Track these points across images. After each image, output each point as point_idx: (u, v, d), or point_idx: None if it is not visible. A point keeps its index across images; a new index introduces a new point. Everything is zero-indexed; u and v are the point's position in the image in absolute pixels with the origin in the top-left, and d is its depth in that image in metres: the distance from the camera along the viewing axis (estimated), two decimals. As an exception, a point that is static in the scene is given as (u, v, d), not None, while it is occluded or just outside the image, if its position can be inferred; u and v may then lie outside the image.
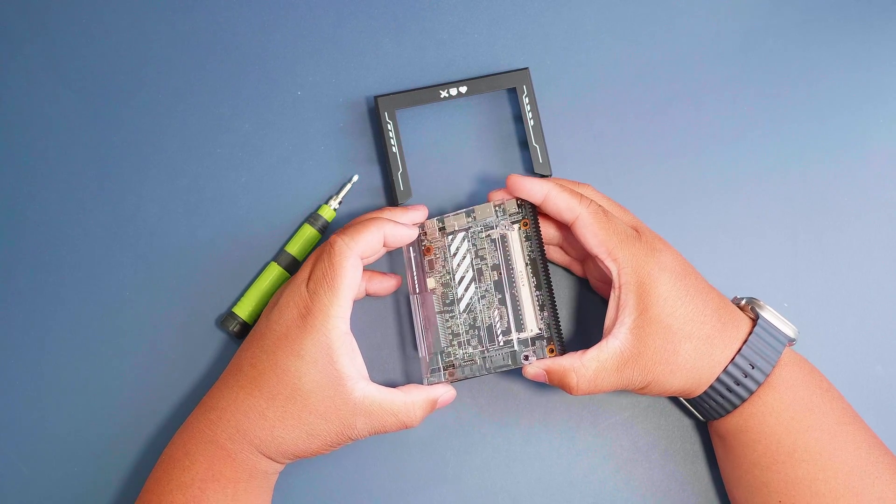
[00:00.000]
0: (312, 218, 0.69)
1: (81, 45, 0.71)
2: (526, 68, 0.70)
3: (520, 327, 0.64)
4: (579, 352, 0.61)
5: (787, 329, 0.63)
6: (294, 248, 0.68)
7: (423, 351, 0.65)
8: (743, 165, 0.72)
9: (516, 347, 0.64)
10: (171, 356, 0.68)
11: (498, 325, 0.65)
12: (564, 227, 0.66)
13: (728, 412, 0.62)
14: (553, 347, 0.64)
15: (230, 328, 0.67)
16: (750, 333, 0.61)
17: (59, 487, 0.66)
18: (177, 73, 0.71)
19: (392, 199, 0.70)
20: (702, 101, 0.72)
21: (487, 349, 0.65)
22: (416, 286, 0.66)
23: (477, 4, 0.73)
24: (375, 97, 0.69)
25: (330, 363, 0.59)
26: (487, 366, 0.65)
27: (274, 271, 0.68)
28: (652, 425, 0.68)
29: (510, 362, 0.64)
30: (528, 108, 0.70)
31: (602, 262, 0.61)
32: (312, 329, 0.59)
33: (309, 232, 0.68)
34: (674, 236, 0.70)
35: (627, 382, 0.61)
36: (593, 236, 0.61)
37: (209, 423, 0.61)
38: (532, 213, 0.65)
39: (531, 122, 0.70)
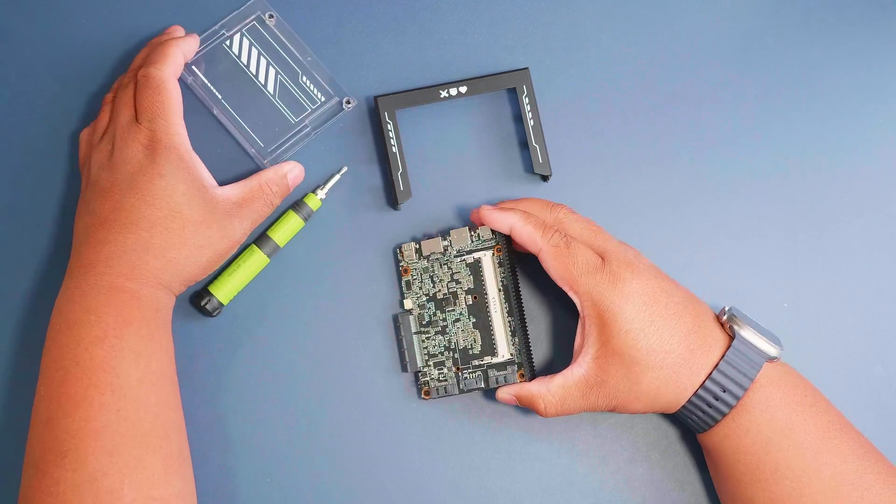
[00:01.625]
0: (297, 205, 0.69)
1: (81, 45, 0.72)
2: (526, 68, 0.70)
3: (492, 351, 0.66)
4: (548, 377, 0.63)
5: (768, 347, 0.62)
6: (276, 234, 0.68)
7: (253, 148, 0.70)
8: (743, 165, 0.72)
9: (488, 371, 0.66)
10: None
11: (472, 349, 0.67)
12: None
13: (708, 428, 0.62)
14: (523, 373, 0.66)
15: (202, 304, 0.67)
16: (723, 356, 0.61)
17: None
18: (177, 72, 0.71)
19: (392, 199, 0.70)
20: (702, 101, 0.72)
21: (461, 371, 0.67)
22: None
23: (477, 4, 0.73)
24: (375, 97, 0.69)
25: (190, 174, 0.63)
26: (461, 387, 0.67)
27: (253, 254, 0.68)
28: (651, 426, 0.68)
29: (482, 385, 0.66)
30: (528, 108, 0.70)
31: (567, 293, 0.63)
32: (165, 150, 0.63)
33: (292, 218, 0.68)
34: (673, 236, 0.70)
35: (593, 406, 0.62)
36: (553, 270, 0.63)
37: (100, 274, 0.61)
38: (505, 240, 0.67)
39: (531, 122, 0.70)
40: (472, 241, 0.68)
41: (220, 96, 0.70)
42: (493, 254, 0.67)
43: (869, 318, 0.70)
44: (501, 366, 0.66)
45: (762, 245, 0.71)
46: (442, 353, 0.67)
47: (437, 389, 0.67)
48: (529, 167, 0.70)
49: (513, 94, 0.72)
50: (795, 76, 0.73)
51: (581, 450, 0.68)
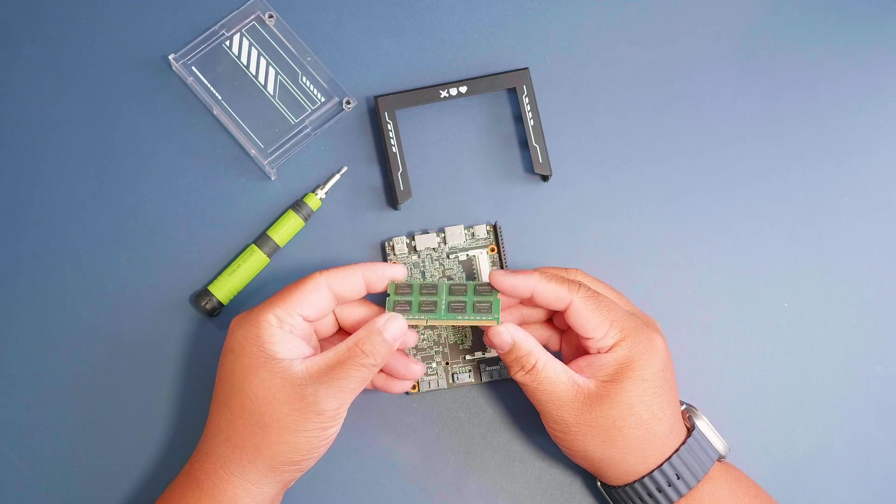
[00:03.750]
0: (297, 205, 0.69)
1: (81, 45, 0.72)
2: (526, 68, 0.70)
3: (483, 346, 0.67)
4: (551, 356, 0.60)
5: (719, 444, 0.62)
6: (276, 233, 0.68)
7: None
8: (743, 165, 0.72)
9: (480, 366, 0.67)
10: (151, 338, 0.68)
11: (462, 344, 0.67)
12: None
13: None
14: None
15: (202, 304, 0.67)
16: (683, 443, 0.60)
17: (59, 487, 0.66)
18: (176, 73, 0.71)
19: (392, 199, 0.70)
20: (702, 101, 0.72)
21: (451, 365, 0.67)
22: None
23: (477, 4, 0.73)
24: (375, 97, 0.69)
25: (258, 347, 0.58)
26: (450, 381, 0.67)
27: (253, 254, 0.68)
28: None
29: (473, 380, 0.67)
30: (528, 108, 0.70)
31: (598, 340, 0.60)
32: (243, 324, 0.59)
33: (292, 218, 0.68)
34: (673, 236, 0.70)
35: (568, 411, 0.59)
36: (589, 316, 0.59)
37: (190, 463, 0.61)
38: (499, 240, 0.67)
39: (531, 122, 0.70)
40: (466, 239, 0.68)
41: (220, 96, 0.70)
42: (487, 252, 0.68)
43: (869, 318, 0.70)
44: (493, 360, 0.67)
45: (762, 245, 0.71)
46: (431, 348, 0.67)
47: (427, 382, 0.67)
48: (529, 167, 0.70)
49: (513, 94, 0.72)
50: (795, 76, 0.73)
51: (581, 450, 0.68)
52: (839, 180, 0.72)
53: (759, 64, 0.73)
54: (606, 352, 0.60)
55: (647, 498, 0.60)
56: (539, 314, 0.65)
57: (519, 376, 0.60)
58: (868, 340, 0.70)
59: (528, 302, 0.62)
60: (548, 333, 0.65)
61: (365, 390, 0.63)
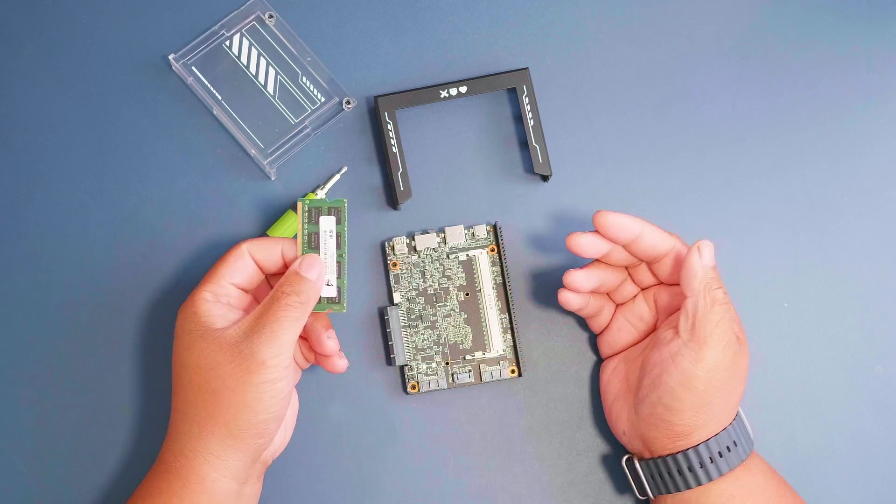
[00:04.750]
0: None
1: (81, 45, 0.72)
2: (526, 68, 0.70)
3: (484, 347, 0.67)
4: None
5: (751, 436, 0.63)
6: (275, 234, 0.68)
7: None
8: (743, 165, 0.72)
9: (480, 366, 0.67)
10: (151, 338, 0.68)
11: (462, 344, 0.67)
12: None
13: (679, 490, 0.61)
14: (514, 368, 0.67)
15: None
16: (730, 423, 0.61)
17: (59, 487, 0.66)
18: (176, 73, 0.71)
19: (392, 199, 0.70)
20: (702, 101, 0.72)
21: (451, 365, 0.67)
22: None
23: (477, 4, 0.73)
24: (375, 97, 0.69)
25: (194, 324, 0.59)
26: (449, 381, 0.67)
27: None
28: (652, 425, 0.68)
29: (473, 380, 0.67)
30: (528, 108, 0.70)
31: (705, 294, 0.60)
32: (184, 307, 0.61)
33: (292, 218, 0.68)
34: (674, 236, 0.70)
35: (688, 351, 0.59)
36: (692, 265, 0.60)
37: (161, 453, 0.61)
38: (499, 241, 0.68)
39: (531, 122, 0.70)
40: (466, 239, 0.68)
41: (219, 96, 0.70)
42: (487, 252, 0.68)
43: (869, 318, 0.70)
44: (493, 361, 0.67)
45: (762, 245, 0.71)
46: (431, 348, 0.67)
47: (428, 382, 0.67)
48: (529, 167, 0.70)
49: (513, 94, 0.72)
50: (795, 76, 0.73)
51: (581, 450, 0.68)
52: (839, 180, 0.72)
53: (759, 64, 0.73)
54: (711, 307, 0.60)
55: (697, 469, 0.60)
56: (614, 279, 0.65)
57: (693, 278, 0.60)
58: (868, 340, 0.70)
59: (616, 256, 0.63)
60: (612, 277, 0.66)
61: (311, 366, 0.66)
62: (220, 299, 0.61)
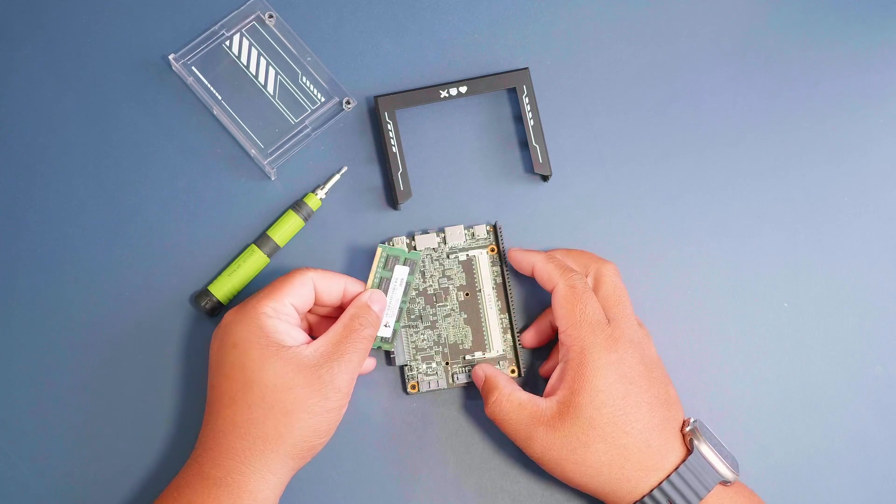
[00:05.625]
0: (297, 205, 0.69)
1: (81, 45, 0.72)
2: (526, 68, 0.70)
3: (483, 347, 0.67)
4: (517, 386, 0.63)
5: (724, 469, 0.60)
6: (276, 233, 0.68)
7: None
8: (743, 165, 0.72)
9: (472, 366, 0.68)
10: (151, 338, 0.68)
11: (462, 344, 0.67)
12: None
13: None
14: (514, 368, 0.67)
15: (202, 304, 0.67)
16: (676, 468, 0.59)
17: (59, 487, 0.66)
18: (176, 73, 0.71)
19: (392, 199, 0.70)
20: (702, 101, 0.72)
21: (451, 365, 0.67)
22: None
23: (477, 4, 0.73)
24: (375, 97, 0.69)
25: (266, 339, 0.60)
26: (449, 381, 0.67)
27: (253, 254, 0.68)
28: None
29: (471, 379, 0.67)
30: (528, 108, 0.70)
31: (561, 333, 0.62)
32: (242, 318, 0.60)
33: (292, 218, 0.68)
34: (673, 236, 0.70)
35: (535, 447, 0.61)
36: (558, 309, 0.62)
37: (196, 462, 0.60)
38: (499, 241, 0.68)
39: (531, 122, 0.70)
40: (466, 239, 0.68)
41: (219, 97, 0.70)
42: (487, 252, 0.68)
43: (869, 318, 0.70)
44: (493, 361, 0.67)
45: (762, 245, 0.71)
46: (431, 348, 0.67)
47: (427, 382, 0.67)
48: (529, 167, 0.70)
49: (513, 94, 0.72)
50: (795, 76, 0.73)
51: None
52: (839, 180, 0.72)
53: (759, 64, 0.73)
54: (563, 361, 0.62)
55: None
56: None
57: (487, 410, 0.63)
58: (868, 340, 0.70)
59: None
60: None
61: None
62: (281, 317, 0.61)
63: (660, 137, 0.72)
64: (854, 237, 0.71)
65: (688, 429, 0.61)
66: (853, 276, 0.70)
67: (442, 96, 0.70)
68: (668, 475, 0.59)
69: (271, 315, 0.61)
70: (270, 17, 0.71)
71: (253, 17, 0.72)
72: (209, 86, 0.70)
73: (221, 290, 0.67)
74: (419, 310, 0.68)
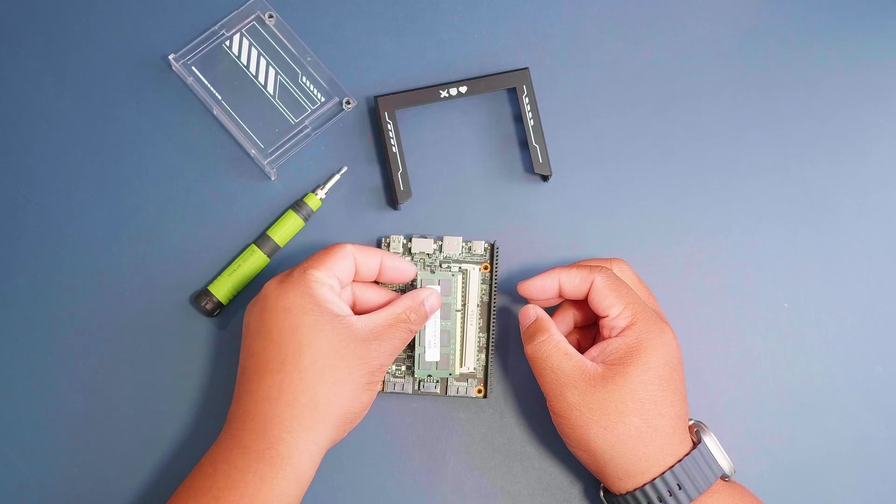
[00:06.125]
0: (297, 205, 0.69)
1: (81, 44, 0.72)
2: (526, 68, 0.70)
3: (457, 360, 0.67)
4: (565, 339, 0.62)
5: (724, 463, 0.62)
6: (276, 233, 0.68)
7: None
8: (743, 165, 0.72)
9: (448, 379, 0.67)
10: (151, 338, 0.68)
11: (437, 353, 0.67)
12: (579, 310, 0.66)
13: None
14: (481, 388, 0.67)
15: (202, 304, 0.67)
16: (687, 454, 0.60)
17: (59, 487, 0.66)
18: (176, 73, 0.71)
19: (392, 199, 0.70)
20: (702, 101, 0.72)
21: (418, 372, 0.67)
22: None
23: (477, 4, 0.73)
24: (375, 97, 0.69)
25: (318, 306, 0.59)
26: (415, 387, 0.67)
27: (253, 254, 0.68)
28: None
29: (438, 391, 0.67)
30: (528, 108, 0.70)
31: (612, 319, 0.61)
32: (293, 284, 0.60)
33: (292, 218, 0.68)
34: (673, 236, 0.70)
35: (562, 402, 0.60)
36: (605, 297, 0.61)
37: (236, 432, 0.59)
38: (493, 260, 0.67)
39: (531, 122, 0.70)
40: (462, 252, 0.68)
41: (219, 97, 0.70)
42: (480, 269, 0.68)
43: (869, 318, 0.70)
44: (462, 377, 0.67)
45: (762, 245, 0.71)
46: (404, 350, 0.67)
47: (393, 383, 0.67)
48: (529, 167, 0.70)
49: (513, 94, 0.72)
50: (795, 76, 0.73)
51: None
52: (839, 180, 0.72)
53: (759, 63, 0.73)
54: (617, 335, 0.61)
55: None
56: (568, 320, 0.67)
57: (530, 348, 0.62)
58: (868, 340, 0.70)
59: (570, 301, 0.65)
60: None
61: None
62: (328, 285, 0.61)
63: (660, 137, 0.72)
64: (854, 237, 0.71)
65: (692, 421, 0.63)
66: (853, 276, 0.70)
67: (442, 96, 0.70)
68: (680, 460, 0.60)
69: (322, 281, 0.60)
70: (270, 17, 0.72)
71: (253, 17, 0.72)
72: (209, 86, 0.70)
73: (221, 290, 0.67)
74: None
